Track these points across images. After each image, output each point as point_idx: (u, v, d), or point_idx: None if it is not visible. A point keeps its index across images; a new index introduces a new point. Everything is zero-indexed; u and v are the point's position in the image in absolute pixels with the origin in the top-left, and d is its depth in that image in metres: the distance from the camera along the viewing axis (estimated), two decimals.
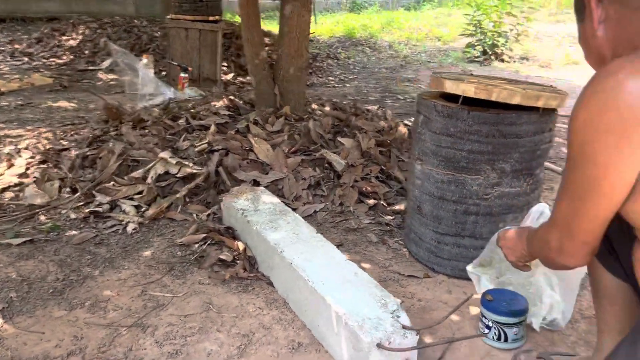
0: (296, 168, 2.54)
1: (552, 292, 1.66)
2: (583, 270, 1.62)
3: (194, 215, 2.33)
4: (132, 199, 2.34)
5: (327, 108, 3.29)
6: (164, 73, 5.12)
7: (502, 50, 7.74)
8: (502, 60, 7.62)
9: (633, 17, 0.96)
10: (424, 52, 8.36)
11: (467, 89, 1.76)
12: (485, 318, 1.62)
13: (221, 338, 1.59)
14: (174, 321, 1.66)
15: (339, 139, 2.70)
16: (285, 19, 2.92)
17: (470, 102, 1.79)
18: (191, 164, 2.44)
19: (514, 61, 7.68)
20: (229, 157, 2.52)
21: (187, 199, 2.41)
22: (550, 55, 7.84)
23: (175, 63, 4.62)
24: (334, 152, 2.60)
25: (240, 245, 1.99)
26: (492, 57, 7.65)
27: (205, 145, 2.57)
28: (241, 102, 3.19)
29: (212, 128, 2.69)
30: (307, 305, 1.62)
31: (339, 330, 1.46)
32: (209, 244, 2.08)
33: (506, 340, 1.60)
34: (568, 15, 11.18)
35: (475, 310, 1.79)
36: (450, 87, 1.80)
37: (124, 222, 2.22)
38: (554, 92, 1.78)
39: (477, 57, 7.72)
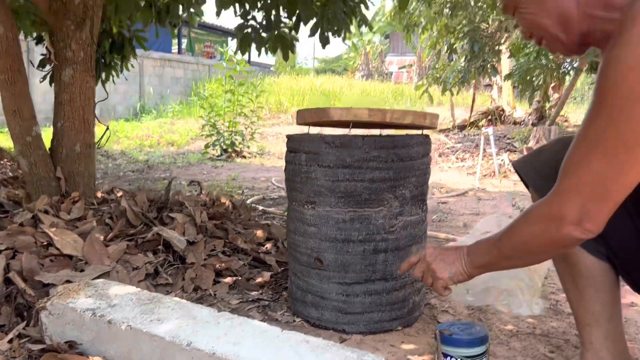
0: (122, 257, 1.94)
1: None
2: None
3: None
4: None
5: (120, 193, 2.71)
6: None
7: (240, 147, 8.01)
8: (244, 157, 7.87)
9: None
10: (162, 156, 8.06)
11: (361, 113, 1.61)
12: (451, 357, 1.39)
13: None
14: None
15: (169, 214, 2.20)
16: (64, 85, 2.34)
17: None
18: None
19: (254, 156, 8.02)
20: (22, 258, 1.77)
21: None
22: (281, 149, 8.46)
23: None
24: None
25: None
26: (234, 155, 7.84)
27: None
28: (3, 199, 2.37)
29: None
30: None
31: None
32: None
33: None
34: (279, 119, 12.48)
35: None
36: (340, 114, 1.63)
37: None
38: (430, 112, 1.77)
39: (219, 156, 7.82)
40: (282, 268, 2.16)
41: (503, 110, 9.41)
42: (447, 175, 5.99)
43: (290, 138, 1.78)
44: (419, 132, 1.82)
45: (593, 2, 0.97)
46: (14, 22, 2.23)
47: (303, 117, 1.74)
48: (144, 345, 1.29)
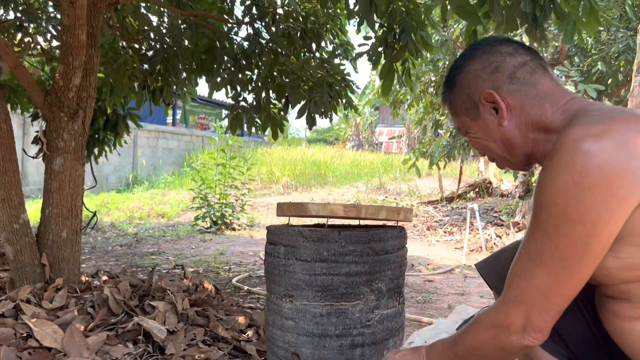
0: (102, 348, 1.94)
1: None
2: None
3: None
4: None
5: (104, 277, 2.72)
6: None
7: (230, 219, 8.05)
8: (234, 229, 7.89)
9: (533, 103, 1.08)
10: (151, 228, 8.07)
11: (337, 209, 1.68)
12: None
13: None
14: None
15: (150, 302, 2.21)
16: (54, 173, 2.41)
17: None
18: None
19: (244, 228, 8.04)
20: (1, 351, 1.77)
21: None
22: (271, 220, 8.51)
23: None
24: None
25: None
26: (223, 227, 7.86)
27: None
28: None
29: None
30: None
31: None
32: None
33: None
34: (270, 189, 12.62)
35: None
36: (317, 209, 1.70)
37: None
38: (404, 208, 1.84)
39: (208, 228, 7.84)
40: (263, 358, 2.15)
41: (490, 182, 9.59)
42: (434, 250, 6.02)
43: (269, 230, 1.83)
44: (395, 223, 1.89)
45: (533, 127, 1.07)
46: (8, 114, 2.33)
47: (282, 210, 1.81)
48: None
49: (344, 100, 4.27)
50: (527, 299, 0.96)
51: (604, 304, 1.04)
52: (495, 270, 1.30)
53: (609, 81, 6.60)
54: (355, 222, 2.05)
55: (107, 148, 4.47)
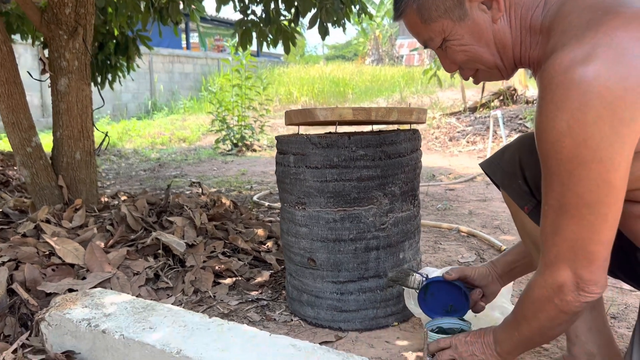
0: (123, 263, 1.98)
1: None
2: None
3: None
4: None
5: (124, 197, 2.75)
6: None
7: (250, 141, 8.04)
8: (254, 150, 7.90)
9: None
10: (173, 153, 8.14)
11: (345, 113, 1.61)
12: None
13: None
14: None
15: (168, 218, 2.23)
16: (60, 95, 2.37)
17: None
18: None
19: (264, 149, 8.04)
20: (24, 269, 1.82)
21: None
22: None
23: None
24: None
25: None
26: (244, 149, 7.87)
27: None
28: (9, 209, 2.43)
29: None
30: None
31: None
32: None
33: None
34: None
35: None
36: (325, 114, 1.63)
37: None
38: (417, 108, 1.76)
39: (229, 150, 7.86)
40: (282, 266, 2.18)
41: (515, 89, 9.26)
42: (457, 160, 5.95)
43: (279, 139, 1.78)
44: (408, 127, 1.82)
45: (521, 26, 0.97)
46: (7, 34, 2.26)
47: (290, 118, 1.75)
48: (136, 354, 1.32)
49: (357, 7, 4.06)
50: (568, 255, 0.89)
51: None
52: (500, 167, 1.25)
53: None
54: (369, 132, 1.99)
55: (120, 73, 4.42)
